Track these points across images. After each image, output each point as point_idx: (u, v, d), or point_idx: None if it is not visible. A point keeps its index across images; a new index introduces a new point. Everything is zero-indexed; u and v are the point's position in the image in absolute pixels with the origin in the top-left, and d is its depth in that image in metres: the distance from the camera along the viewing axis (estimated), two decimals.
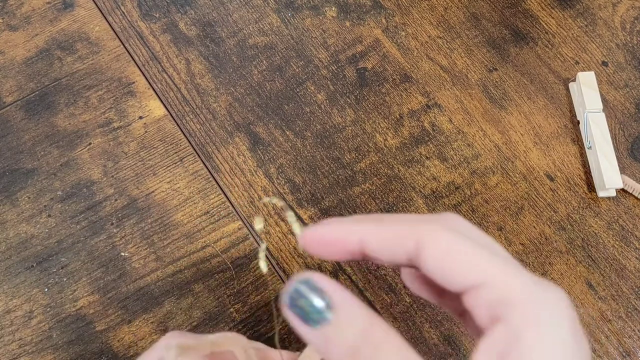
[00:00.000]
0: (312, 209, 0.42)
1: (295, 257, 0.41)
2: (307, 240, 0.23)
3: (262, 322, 0.38)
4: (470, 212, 0.42)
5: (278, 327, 0.39)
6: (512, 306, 0.20)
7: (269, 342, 0.38)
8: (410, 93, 0.46)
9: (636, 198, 0.42)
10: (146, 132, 0.45)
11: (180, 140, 0.45)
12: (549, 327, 0.19)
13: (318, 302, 0.20)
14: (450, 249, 0.21)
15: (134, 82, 0.47)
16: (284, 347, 0.38)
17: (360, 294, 0.39)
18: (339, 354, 0.20)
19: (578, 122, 0.45)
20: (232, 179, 0.43)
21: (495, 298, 0.20)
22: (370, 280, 0.40)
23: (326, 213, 0.40)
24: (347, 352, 0.20)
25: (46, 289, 0.40)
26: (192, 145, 0.45)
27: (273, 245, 0.41)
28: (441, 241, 0.21)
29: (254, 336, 0.38)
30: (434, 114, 0.45)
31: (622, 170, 0.43)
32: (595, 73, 0.46)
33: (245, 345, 0.29)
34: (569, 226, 0.41)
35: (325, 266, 0.40)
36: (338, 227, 0.23)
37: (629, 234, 0.41)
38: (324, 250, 0.23)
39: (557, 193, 0.42)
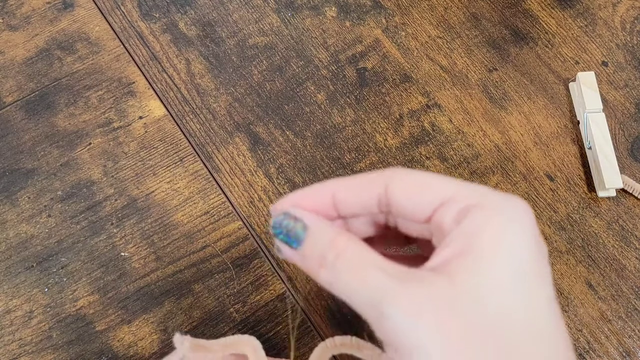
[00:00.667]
0: None
1: None
2: (279, 207, 0.25)
3: (262, 322, 0.38)
4: None
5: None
6: (476, 208, 0.22)
7: (270, 343, 0.38)
8: (410, 93, 0.46)
9: (636, 198, 0.42)
10: (146, 132, 0.45)
11: (180, 140, 0.45)
12: (509, 225, 0.21)
13: (296, 225, 0.23)
14: (417, 178, 0.23)
15: (134, 82, 0.47)
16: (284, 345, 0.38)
17: None
18: (314, 265, 0.23)
19: (578, 122, 0.45)
20: (232, 179, 0.43)
21: (461, 207, 0.22)
22: None
23: None
24: (318, 262, 0.23)
25: (46, 289, 0.40)
26: (192, 145, 0.45)
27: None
28: (408, 174, 0.24)
29: (254, 336, 0.38)
30: (434, 114, 0.45)
31: (622, 170, 0.43)
32: (595, 73, 0.46)
33: (258, 348, 0.29)
34: (569, 226, 0.41)
35: None
36: (308, 189, 0.25)
37: (629, 234, 0.41)
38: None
39: (557, 193, 0.42)
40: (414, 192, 0.23)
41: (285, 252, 0.24)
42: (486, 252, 0.21)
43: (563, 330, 0.21)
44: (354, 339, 0.28)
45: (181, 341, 0.29)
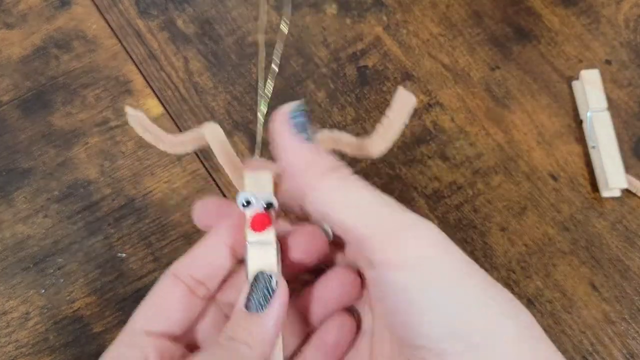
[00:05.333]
0: None
1: None
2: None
3: None
4: (473, 212, 0.41)
5: None
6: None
7: None
8: (412, 92, 0.46)
9: None
10: None
11: None
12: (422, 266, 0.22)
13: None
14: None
15: (131, 81, 0.46)
16: None
17: None
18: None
19: (581, 122, 0.44)
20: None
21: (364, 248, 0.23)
22: None
23: None
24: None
25: (43, 290, 0.39)
26: None
27: None
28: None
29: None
30: (435, 113, 0.45)
31: (626, 169, 0.42)
32: (598, 71, 0.45)
33: (219, 133, 0.29)
34: (572, 227, 0.41)
35: None
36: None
37: (633, 234, 0.41)
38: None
39: (561, 193, 0.42)
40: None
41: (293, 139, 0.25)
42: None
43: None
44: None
45: (133, 113, 0.28)
